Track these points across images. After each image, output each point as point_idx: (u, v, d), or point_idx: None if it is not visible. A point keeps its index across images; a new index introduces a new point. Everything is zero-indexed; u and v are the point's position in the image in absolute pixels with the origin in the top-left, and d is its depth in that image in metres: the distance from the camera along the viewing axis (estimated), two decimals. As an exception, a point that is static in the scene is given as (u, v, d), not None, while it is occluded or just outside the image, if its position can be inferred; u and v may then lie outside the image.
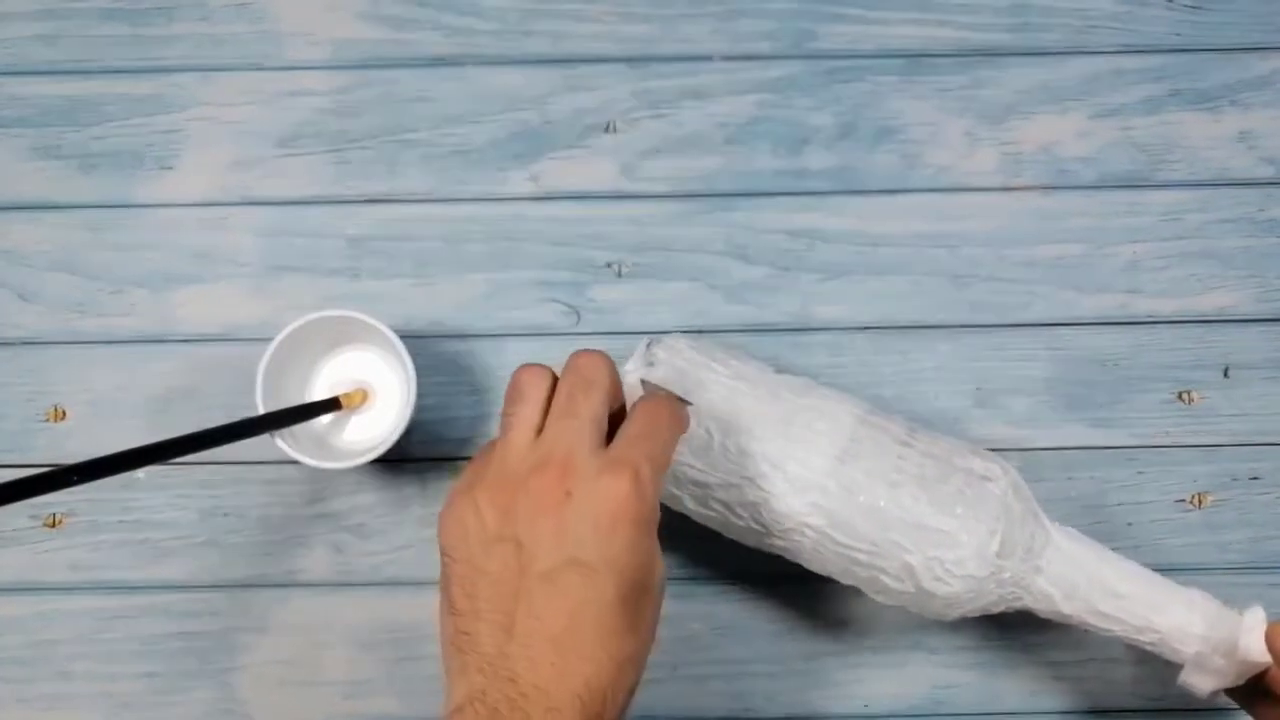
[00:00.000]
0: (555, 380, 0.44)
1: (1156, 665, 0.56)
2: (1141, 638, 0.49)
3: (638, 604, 0.41)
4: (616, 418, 0.44)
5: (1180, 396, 0.59)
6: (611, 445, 0.42)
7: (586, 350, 0.44)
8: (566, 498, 0.40)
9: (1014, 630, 0.57)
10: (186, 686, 0.58)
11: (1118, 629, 0.49)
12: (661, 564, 0.42)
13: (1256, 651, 0.47)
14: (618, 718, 0.41)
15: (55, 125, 0.61)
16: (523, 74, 0.62)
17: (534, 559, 0.40)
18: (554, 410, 0.43)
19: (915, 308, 0.60)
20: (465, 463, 0.58)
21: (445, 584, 0.42)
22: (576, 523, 0.40)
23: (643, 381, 0.50)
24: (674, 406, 0.45)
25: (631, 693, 0.41)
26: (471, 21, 0.62)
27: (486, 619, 0.40)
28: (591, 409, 0.42)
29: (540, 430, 0.43)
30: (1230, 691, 0.49)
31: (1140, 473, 0.59)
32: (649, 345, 0.52)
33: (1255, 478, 0.59)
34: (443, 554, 0.42)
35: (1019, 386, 0.59)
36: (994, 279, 0.60)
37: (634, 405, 0.44)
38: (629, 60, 0.62)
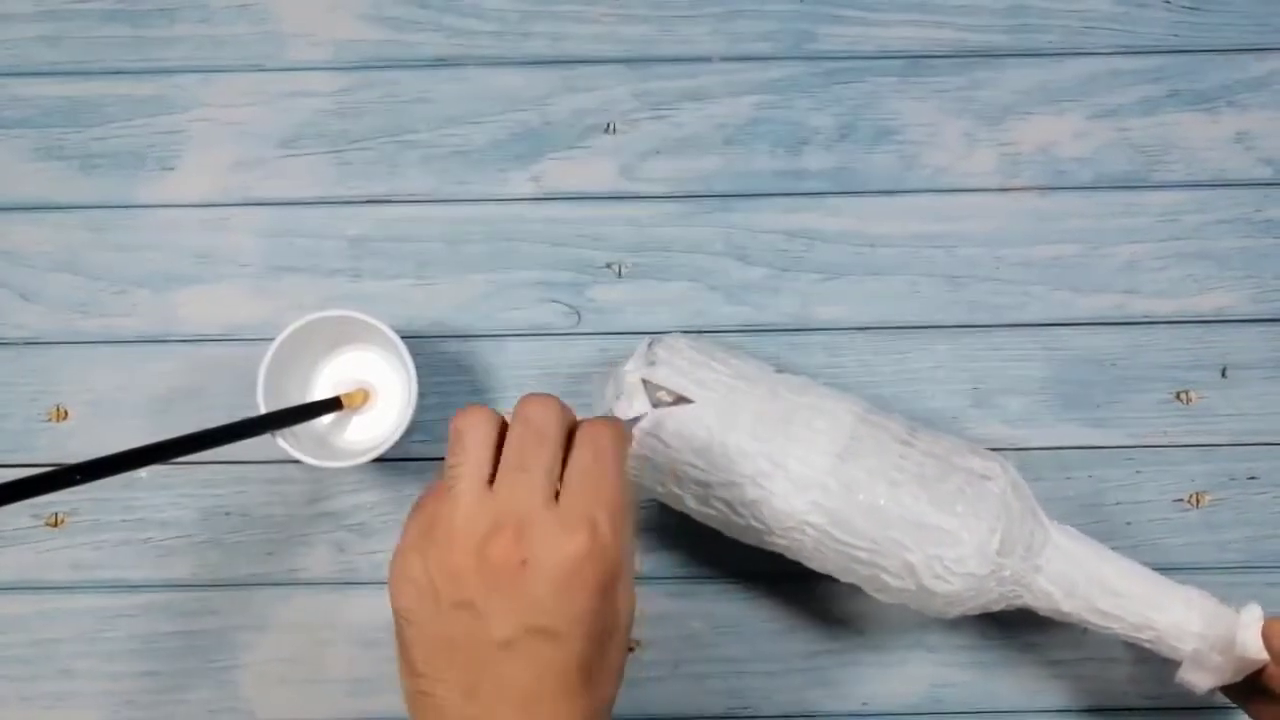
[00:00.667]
0: (501, 423, 0.41)
1: (1154, 664, 0.57)
2: (1140, 635, 0.49)
3: (603, 654, 0.40)
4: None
5: (1178, 396, 0.59)
6: (562, 495, 0.40)
7: (535, 396, 0.41)
8: (522, 566, 0.38)
9: (1012, 629, 0.57)
10: (188, 685, 0.58)
11: (1116, 627, 0.49)
12: (629, 601, 0.41)
13: (1253, 648, 0.47)
14: None
15: (57, 126, 0.61)
16: (523, 75, 0.62)
17: (493, 627, 0.39)
18: (504, 464, 0.40)
19: (913, 308, 0.60)
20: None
21: (403, 645, 0.41)
22: (535, 588, 0.38)
23: (644, 381, 0.50)
24: (615, 429, 0.42)
25: None
26: (472, 23, 0.62)
27: (447, 682, 0.39)
28: (543, 462, 0.40)
29: (490, 480, 0.40)
30: (1227, 689, 0.50)
31: (1138, 472, 0.59)
32: (649, 345, 0.52)
33: (1253, 477, 0.59)
34: (397, 616, 0.41)
35: (1016, 386, 0.59)
36: (992, 279, 0.60)
37: (576, 435, 0.41)
38: (629, 61, 0.62)
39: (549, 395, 0.42)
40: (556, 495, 0.40)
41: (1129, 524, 0.58)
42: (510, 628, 0.39)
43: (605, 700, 0.40)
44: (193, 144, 0.61)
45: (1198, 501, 0.59)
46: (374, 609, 0.58)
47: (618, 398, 0.51)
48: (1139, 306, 0.60)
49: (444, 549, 0.39)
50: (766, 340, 0.60)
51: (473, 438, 0.41)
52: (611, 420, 0.42)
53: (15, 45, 0.62)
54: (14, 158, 0.61)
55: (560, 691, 0.39)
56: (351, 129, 0.61)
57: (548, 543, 0.39)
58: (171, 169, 0.61)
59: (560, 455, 0.41)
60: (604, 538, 0.39)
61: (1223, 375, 0.60)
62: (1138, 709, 0.57)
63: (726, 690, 0.58)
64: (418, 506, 0.42)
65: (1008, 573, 0.49)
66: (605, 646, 0.40)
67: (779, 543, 0.51)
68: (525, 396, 0.42)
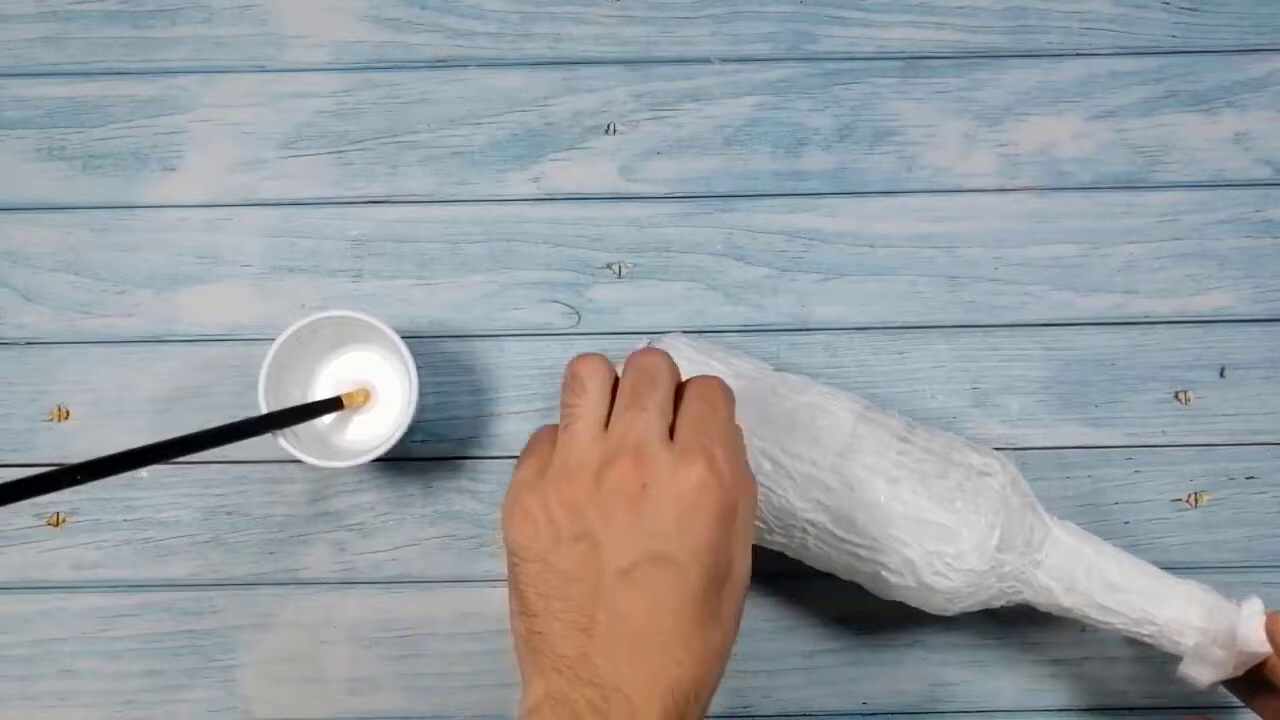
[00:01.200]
0: (613, 373, 0.42)
1: (1153, 664, 0.57)
2: (1140, 630, 0.49)
3: (720, 595, 0.39)
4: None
5: (1176, 396, 0.59)
6: (676, 434, 0.40)
7: (648, 347, 0.43)
8: (643, 490, 0.38)
9: (1011, 628, 0.58)
10: (189, 684, 0.58)
11: (1117, 622, 0.49)
12: (747, 555, 0.41)
13: (1255, 641, 0.47)
14: (702, 714, 0.39)
15: (59, 126, 0.61)
16: (523, 76, 0.62)
17: (612, 556, 0.38)
18: (620, 403, 0.41)
19: (913, 308, 0.60)
20: (467, 461, 0.59)
21: (516, 584, 0.40)
22: (655, 514, 0.38)
23: None
24: (724, 385, 0.43)
25: (714, 689, 0.40)
26: (472, 24, 0.62)
27: (563, 619, 0.39)
28: (657, 402, 0.41)
29: (605, 424, 0.41)
30: (1229, 683, 0.50)
31: (1137, 472, 0.59)
32: (650, 344, 0.52)
33: (1251, 477, 0.59)
34: (511, 554, 0.40)
35: (1015, 386, 0.60)
36: (991, 280, 0.60)
37: (684, 390, 0.42)
38: (628, 62, 0.62)
39: (660, 350, 0.43)
40: (671, 437, 0.40)
41: (1127, 523, 0.58)
42: (629, 554, 0.38)
43: (718, 648, 0.39)
44: (194, 144, 0.61)
45: (1196, 501, 0.59)
46: (374, 608, 0.58)
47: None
48: (1138, 306, 0.60)
49: (561, 482, 0.40)
50: (766, 340, 0.60)
51: (592, 381, 0.41)
52: (722, 381, 0.43)
53: (17, 46, 0.62)
54: (16, 158, 0.61)
55: (677, 627, 0.38)
56: (352, 130, 0.62)
57: (667, 470, 0.39)
58: (173, 169, 0.61)
59: (672, 399, 0.41)
60: (721, 470, 0.39)
61: (1221, 375, 0.60)
62: (1137, 708, 0.57)
63: (726, 689, 0.58)
64: (530, 449, 0.42)
65: (1007, 568, 0.49)
66: (721, 588, 0.40)
67: (779, 541, 0.51)
68: (636, 351, 0.43)
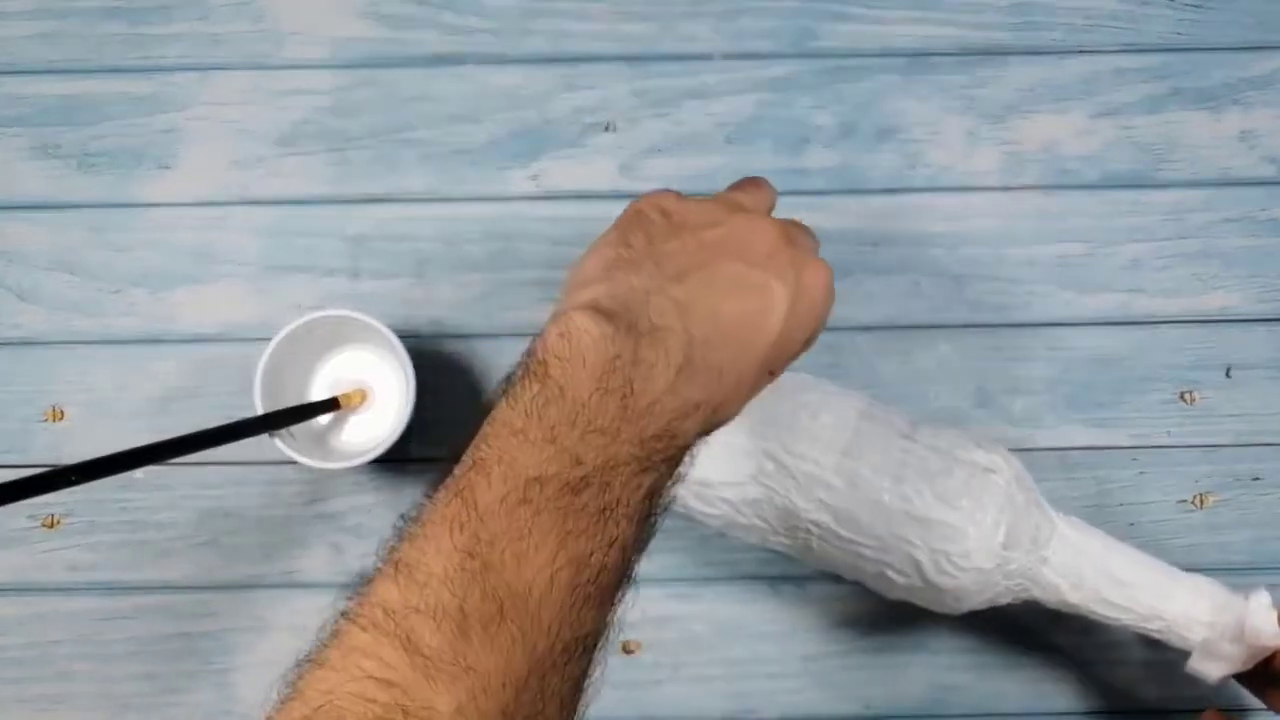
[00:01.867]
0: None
1: (1157, 666, 0.56)
2: (1149, 625, 0.49)
3: (780, 352, 0.40)
4: None
5: (1182, 396, 0.59)
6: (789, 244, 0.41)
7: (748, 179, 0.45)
8: (783, 232, 0.40)
9: (1014, 630, 0.57)
10: (186, 687, 0.58)
11: (1125, 618, 0.49)
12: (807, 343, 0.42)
13: (1265, 634, 0.47)
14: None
15: (54, 124, 0.61)
16: (522, 73, 0.61)
17: (732, 250, 0.39)
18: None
19: (916, 308, 0.60)
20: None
21: (618, 230, 0.42)
22: (777, 254, 0.39)
23: None
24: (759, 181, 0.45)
25: (726, 413, 0.40)
26: (471, 20, 0.62)
27: (663, 265, 0.39)
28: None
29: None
30: (1239, 677, 0.49)
31: (1142, 473, 0.58)
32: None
33: (1257, 478, 0.58)
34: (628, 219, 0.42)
35: (1020, 386, 0.59)
36: (995, 279, 0.60)
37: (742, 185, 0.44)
38: (629, 59, 0.62)
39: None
40: None
41: (1133, 525, 0.58)
42: (750, 258, 0.39)
43: (756, 387, 0.40)
44: (190, 142, 0.61)
45: (1202, 502, 0.58)
46: (372, 611, 0.58)
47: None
48: (1143, 306, 0.60)
49: (691, 201, 0.42)
50: (768, 340, 0.59)
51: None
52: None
53: (12, 43, 0.62)
54: (11, 156, 0.61)
55: (739, 359, 0.39)
56: (350, 127, 0.61)
57: (806, 254, 0.41)
58: (169, 168, 0.61)
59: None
60: (828, 276, 0.41)
61: (1227, 375, 0.59)
62: (1141, 711, 0.57)
63: (729, 693, 0.57)
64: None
65: (1014, 566, 0.48)
66: (781, 351, 0.40)
67: (783, 541, 0.51)
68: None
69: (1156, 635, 0.49)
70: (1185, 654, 0.49)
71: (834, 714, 0.57)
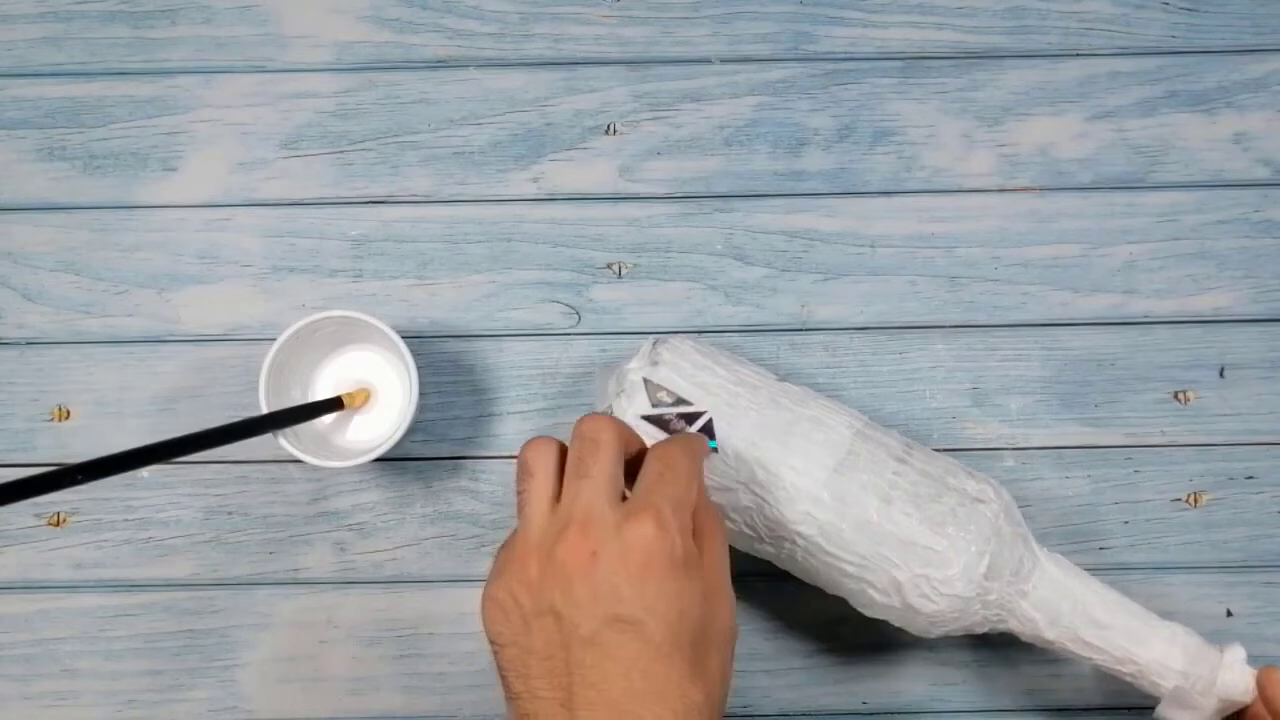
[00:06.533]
0: (563, 449, 0.43)
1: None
2: (1121, 668, 0.49)
3: (693, 648, 0.40)
4: (636, 467, 0.44)
5: (1176, 396, 0.60)
6: (630, 497, 0.41)
7: (590, 415, 0.44)
8: (593, 557, 0.39)
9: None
10: (190, 684, 0.58)
11: (1098, 658, 0.49)
12: (721, 605, 0.41)
13: (1237, 690, 0.47)
14: None
15: (59, 127, 0.61)
16: (523, 76, 0.62)
17: (575, 626, 0.39)
18: (566, 476, 0.42)
19: (912, 308, 0.60)
20: (468, 461, 0.59)
21: (500, 671, 0.41)
22: (608, 578, 0.39)
23: (645, 381, 0.50)
24: (687, 444, 0.44)
25: None
26: (473, 24, 0.62)
27: (544, 697, 0.39)
28: (603, 467, 0.41)
29: (557, 498, 0.42)
30: None
31: (1136, 472, 0.59)
32: (654, 344, 0.52)
33: (1250, 477, 0.59)
34: (491, 644, 0.42)
35: (1015, 386, 0.60)
36: (990, 280, 0.60)
37: (646, 454, 0.43)
38: (629, 63, 0.62)
39: (602, 414, 0.44)
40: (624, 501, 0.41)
41: (1127, 523, 0.58)
42: (590, 622, 0.39)
43: (700, 703, 0.39)
44: (195, 145, 0.61)
45: (1196, 501, 0.59)
46: (375, 608, 0.58)
47: (619, 395, 0.51)
48: (1137, 306, 0.60)
49: (520, 566, 0.41)
50: (766, 340, 0.60)
51: (537, 463, 0.42)
52: (688, 438, 0.44)
53: (17, 46, 0.62)
54: (16, 158, 0.61)
55: (649, 690, 0.38)
56: (353, 130, 0.62)
57: (613, 531, 0.40)
58: (174, 170, 0.61)
59: (619, 462, 0.42)
60: (668, 524, 0.40)
61: (1220, 375, 0.60)
62: (1138, 708, 0.57)
63: (726, 689, 0.58)
64: (501, 546, 0.43)
65: (993, 596, 0.49)
66: (694, 642, 0.40)
67: (768, 550, 0.51)
68: (580, 418, 0.43)
69: (1128, 679, 0.49)
70: (1155, 700, 0.49)
71: (831, 710, 0.58)
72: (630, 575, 0.39)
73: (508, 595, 0.41)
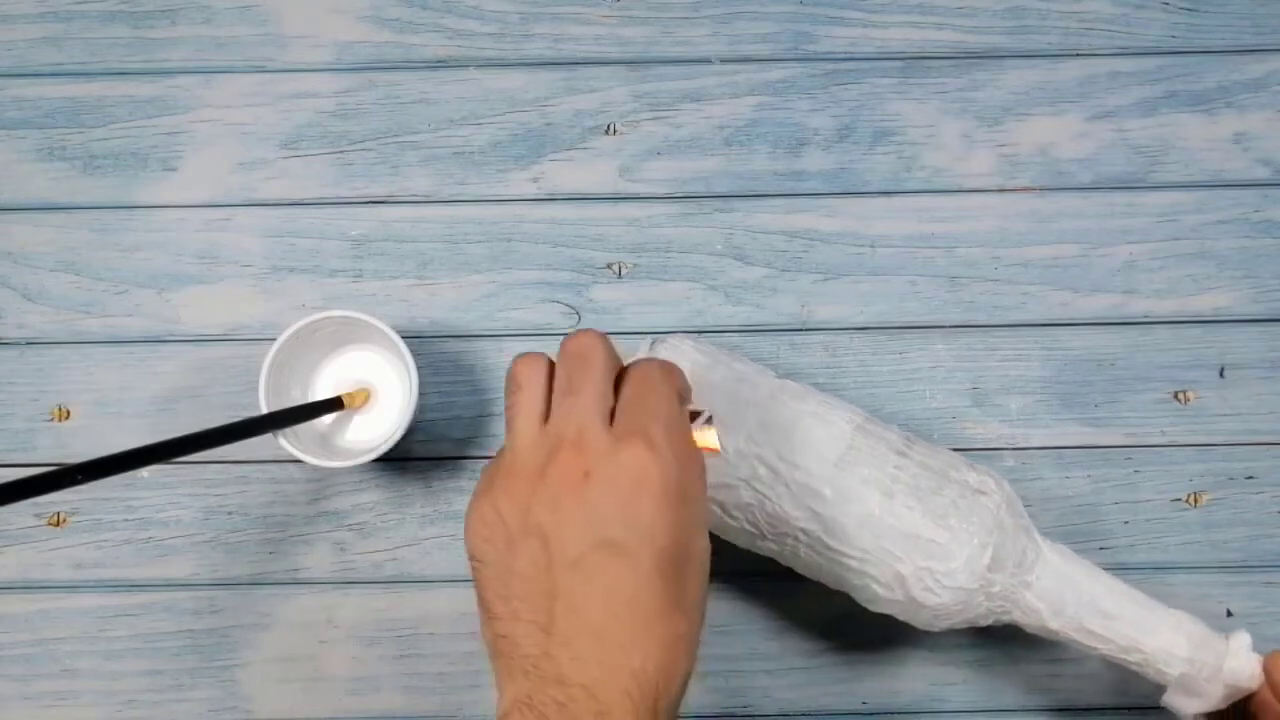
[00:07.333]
0: (553, 366, 0.42)
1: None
2: (1127, 658, 0.49)
3: (679, 578, 0.39)
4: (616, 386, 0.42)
5: (1176, 396, 0.60)
6: (614, 418, 0.40)
7: (578, 331, 0.42)
8: (585, 478, 0.38)
9: (1012, 628, 0.57)
10: (189, 684, 0.58)
11: (1104, 648, 0.49)
12: (702, 535, 0.40)
13: (1243, 676, 0.47)
14: (673, 706, 0.38)
15: (59, 127, 0.62)
16: (523, 76, 0.62)
17: (562, 548, 0.38)
18: (556, 393, 0.41)
19: (912, 308, 0.60)
20: (468, 461, 0.59)
21: (479, 589, 0.40)
22: (599, 501, 0.38)
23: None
24: (660, 363, 0.42)
25: (686, 677, 0.39)
26: (473, 24, 0.62)
27: (524, 619, 0.38)
28: (593, 384, 0.40)
29: (546, 417, 0.41)
30: (1214, 715, 0.49)
31: (1136, 471, 0.59)
32: (653, 344, 0.52)
33: (1250, 477, 0.59)
34: (471, 559, 0.40)
35: (1015, 386, 0.60)
36: (990, 280, 0.60)
37: (624, 374, 0.42)
38: (629, 63, 0.62)
39: (588, 329, 0.42)
40: (611, 420, 0.40)
41: (1127, 523, 0.58)
42: (578, 544, 0.38)
43: (683, 633, 0.39)
44: (195, 145, 0.61)
45: (1196, 501, 0.59)
46: (375, 608, 0.58)
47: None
48: (1137, 306, 0.60)
49: (508, 482, 0.40)
50: (766, 340, 0.60)
51: (527, 378, 0.41)
52: (660, 361, 0.42)
53: (17, 46, 0.62)
54: (16, 158, 0.61)
55: (635, 614, 0.38)
56: (353, 130, 0.62)
57: (607, 454, 0.39)
58: (174, 170, 0.61)
59: (609, 379, 0.41)
60: (661, 448, 0.39)
61: (1220, 375, 0.60)
62: (1139, 708, 0.57)
63: (725, 689, 0.58)
64: (488, 464, 0.42)
65: (997, 588, 0.49)
66: (679, 570, 0.39)
67: (770, 547, 0.51)
68: (566, 337, 0.42)
69: (1134, 668, 0.49)
70: (1162, 687, 0.49)
71: (831, 710, 0.58)
72: (622, 499, 0.38)
73: (493, 511, 0.40)
